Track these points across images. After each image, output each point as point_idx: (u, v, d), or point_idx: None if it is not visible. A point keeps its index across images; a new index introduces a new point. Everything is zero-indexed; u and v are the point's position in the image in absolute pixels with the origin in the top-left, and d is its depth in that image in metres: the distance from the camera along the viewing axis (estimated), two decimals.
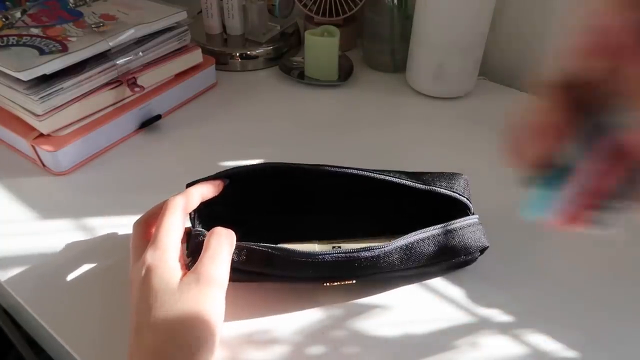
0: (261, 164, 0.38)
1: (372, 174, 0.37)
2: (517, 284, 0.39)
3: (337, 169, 0.38)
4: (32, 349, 0.63)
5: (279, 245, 0.35)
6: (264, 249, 0.34)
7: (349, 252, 0.34)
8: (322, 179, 0.39)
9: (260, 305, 0.37)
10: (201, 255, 0.32)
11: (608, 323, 0.36)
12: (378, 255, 0.34)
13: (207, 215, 0.37)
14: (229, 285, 0.32)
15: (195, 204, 0.35)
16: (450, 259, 0.37)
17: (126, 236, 0.42)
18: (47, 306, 0.37)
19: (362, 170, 0.38)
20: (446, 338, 0.35)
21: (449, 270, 0.40)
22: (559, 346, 0.35)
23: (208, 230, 0.34)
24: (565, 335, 0.35)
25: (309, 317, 0.37)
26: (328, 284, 0.36)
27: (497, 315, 0.37)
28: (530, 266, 0.41)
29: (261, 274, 0.35)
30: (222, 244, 0.32)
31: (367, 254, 0.34)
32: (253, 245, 0.34)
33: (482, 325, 0.36)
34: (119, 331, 0.34)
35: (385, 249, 0.34)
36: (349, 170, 0.38)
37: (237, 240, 0.34)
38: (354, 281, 0.36)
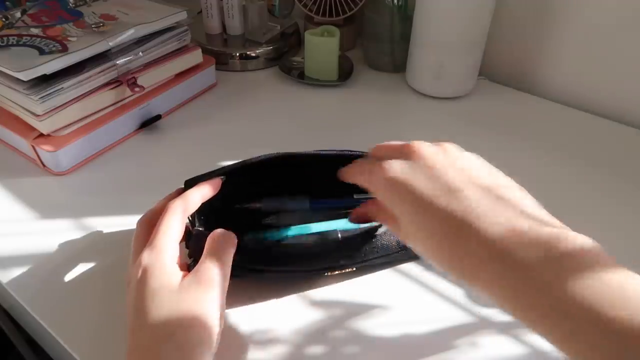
0: (258, 157, 0.39)
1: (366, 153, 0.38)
2: None
3: (330, 151, 0.39)
4: (32, 349, 0.63)
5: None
6: (265, 245, 0.34)
7: (346, 236, 0.35)
8: (318, 165, 0.40)
9: (259, 304, 0.37)
10: (202, 256, 0.32)
11: None
12: (374, 236, 0.36)
13: (206, 213, 0.37)
14: (229, 283, 0.32)
15: (195, 206, 0.36)
16: None
17: (126, 236, 0.42)
18: (47, 306, 0.37)
19: (357, 151, 0.39)
20: (446, 338, 0.35)
21: None
22: None
23: (207, 226, 0.34)
24: None
25: (308, 316, 0.37)
26: (329, 273, 0.37)
27: (497, 315, 0.37)
28: None
29: (263, 270, 0.36)
30: (224, 245, 0.32)
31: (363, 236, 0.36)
32: (255, 242, 0.34)
33: (482, 325, 0.36)
34: (119, 331, 0.34)
35: (380, 230, 0.36)
36: (344, 151, 0.39)
37: (237, 237, 0.34)
38: (354, 268, 0.37)
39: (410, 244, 0.29)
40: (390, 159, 0.29)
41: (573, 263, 0.23)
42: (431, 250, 0.27)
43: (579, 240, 0.24)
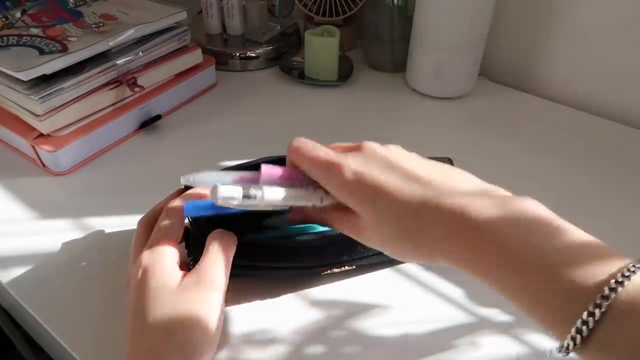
0: (259, 158, 0.39)
1: None
2: None
3: None
4: (32, 349, 0.63)
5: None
6: (265, 244, 0.34)
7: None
8: None
9: (259, 304, 0.37)
10: (202, 257, 0.32)
11: None
12: None
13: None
14: (228, 283, 0.32)
15: None
16: None
17: (126, 236, 0.43)
18: (47, 306, 0.37)
19: None
20: (446, 338, 0.35)
21: None
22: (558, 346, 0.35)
23: (206, 227, 0.34)
24: None
25: (308, 316, 0.37)
26: (329, 271, 0.37)
27: (497, 315, 0.37)
28: None
29: (263, 268, 0.36)
30: (224, 246, 0.32)
31: None
32: (254, 241, 0.34)
33: (482, 325, 0.36)
34: (119, 331, 0.34)
35: None
36: None
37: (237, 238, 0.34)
38: (354, 267, 0.37)
39: (367, 238, 0.31)
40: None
41: (524, 220, 0.25)
42: (394, 234, 0.29)
43: (528, 201, 0.26)
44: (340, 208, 0.31)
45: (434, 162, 0.30)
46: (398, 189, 0.28)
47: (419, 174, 0.29)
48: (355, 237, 0.31)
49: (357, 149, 0.31)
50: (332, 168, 0.30)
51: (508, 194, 0.28)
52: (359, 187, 0.29)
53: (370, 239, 0.31)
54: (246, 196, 0.29)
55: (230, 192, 0.29)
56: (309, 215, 0.34)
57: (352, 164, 0.30)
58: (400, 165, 0.29)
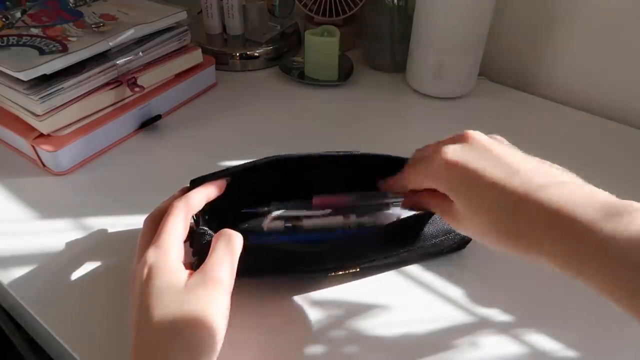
0: (263, 158, 0.39)
1: (368, 153, 0.41)
2: (518, 283, 0.39)
3: (329, 153, 0.41)
4: (32, 349, 0.63)
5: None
6: (272, 247, 0.34)
7: (354, 234, 0.37)
8: (319, 167, 0.40)
9: (260, 304, 0.37)
10: (208, 256, 0.31)
11: (608, 322, 0.36)
12: (374, 233, 0.37)
13: (211, 213, 0.37)
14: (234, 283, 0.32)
15: (199, 206, 0.35)
16: (442, 237, 0.38)
17: (126, 236, 0.43)
18: (47, 306, 0.37)
19: (356, 151, 0.41)
20: (446, 338, 0.35)
21: (447, 252, 0.41)
22: (559, 346, 0.35)
23: (211, 226, 0.34)
24: (565, 335, 0.35)
25: (309, 317, 0.37)
26: (333, 273, 0.37)
27: (497, 315, 0.37)
28: (531, 266, 0.41)
29: (268, 272, 0.36)
30: (231, 246, 0.32)
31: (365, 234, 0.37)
32: (261, 243, 0.34)
33: (482, 325, 0.36)
34: (120, 331, 0.34)
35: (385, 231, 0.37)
36: (341, 152, 0.40)
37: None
38: (358, 269, 0.38)
39: (462, 228, 0.31)
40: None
41: (632, 220, 0.24)
42: (488, 226, 0.29)
43: (634, 203, 0.25)
44: (440, 194, 0.32)
45: (537, 159, 0.30)
46: (494, 179, 0.28)
47: (520, 166, 0.29)
48: (453, 226, 0.32)
49: (461, 138, 0.32)
50: (431, 156, 0.31)
51: (612, 197, 0.27)
52: (455, 174, 0.30)
53: (465, 228, 0.31)
54: (288, 227, 0.39)
55: (274, 224, 0.39)
56: (417, 201, 0.35)
57: (450, 151, 0.30)
58: (500, 156, 0.29)
